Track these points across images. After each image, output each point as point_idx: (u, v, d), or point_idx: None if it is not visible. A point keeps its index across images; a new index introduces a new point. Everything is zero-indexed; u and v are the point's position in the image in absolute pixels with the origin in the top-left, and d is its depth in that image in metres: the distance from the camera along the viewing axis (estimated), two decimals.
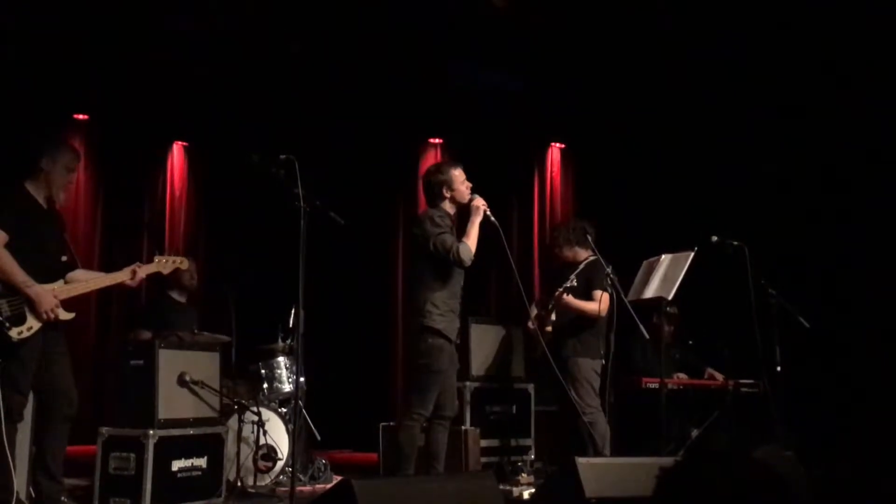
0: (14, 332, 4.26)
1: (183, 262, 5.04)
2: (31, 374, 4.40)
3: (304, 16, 7.40)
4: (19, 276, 4.30)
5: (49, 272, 4.48)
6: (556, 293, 5.58)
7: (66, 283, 4.55)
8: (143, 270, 4.79)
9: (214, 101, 8.48)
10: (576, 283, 5.57)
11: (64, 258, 4.63)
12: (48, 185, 4.54)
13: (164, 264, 4.91)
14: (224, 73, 8.19)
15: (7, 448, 4.25)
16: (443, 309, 4.89)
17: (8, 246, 4.32)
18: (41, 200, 4.55)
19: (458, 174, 5.09)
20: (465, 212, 5.12)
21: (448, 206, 5.06)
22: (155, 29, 7.51)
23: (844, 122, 7.14)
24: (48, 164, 4.53)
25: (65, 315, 4.46)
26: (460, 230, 5.05)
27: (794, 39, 7.11)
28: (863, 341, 6.83)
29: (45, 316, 4.33)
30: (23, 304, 4.31)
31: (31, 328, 4.32)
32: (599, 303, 5.56)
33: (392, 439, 4.87)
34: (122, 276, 4.72)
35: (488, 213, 5.05)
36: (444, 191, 5.04)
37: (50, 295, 4.37)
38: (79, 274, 4.70)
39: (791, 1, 6.83)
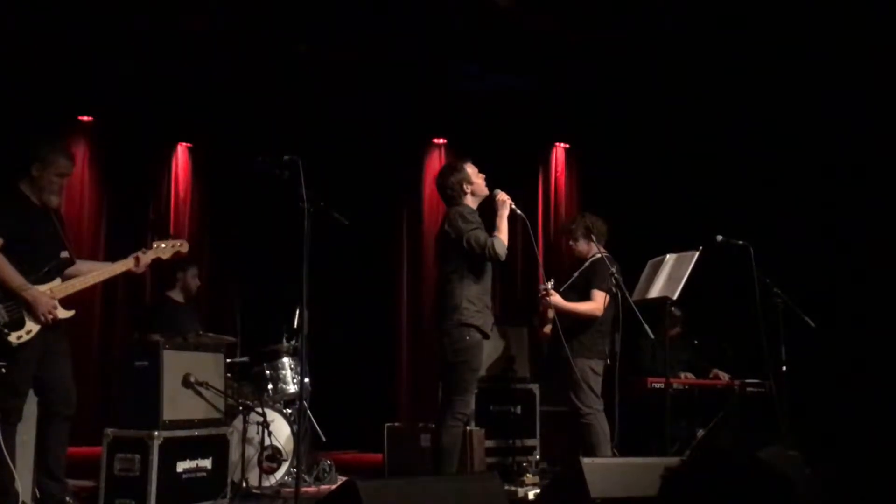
0: (13, 337, 4.26)
1: (183, 245, 4.93)
2: (31, 376, 4.39)
3: (308, 17, 7.40)
4: (15, 279, 4.29)
5: (45, 272, 4.44)
6: (540, 294, 5.49)
7: (63, 280, 4.49)
8: (147, 256, 4.76)
9: (218, 101, 8.50)
10: (552, 285, 5.45)
11: (64, 254, 4.55)
12: (39, 190, 4.50)
13: (162, 249, 4.83)
14: (228, 74, 8.20)
15: (6, 451, 4.23)
16: (479, 305, 4.84)
17: (3, 249, 4.31)
18: (35, 200, 4.52)
19: (471, 169, 5.06)
20: (483, 206, 5.09)
21: (470, 202, 5.03)
22: (159, 30, 7.52)
23: (848, 120, 7.12)
24: (38, 171, 4.48)
25: (64, 313, 4.43)
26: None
27: (797, 38, 7.09)
28: (867, 340, 6.81)
29: (42, 319, 4.32)
30: (20, 308, 4.29)
31: (30, 332, 4.32)
32: (597, 302, 5.44)
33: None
34: (125, 265, 4.69)
35: (513, 206, 5.04)
36: (465, 187, 5.00)
37: (46, 297, 4.35)
38: (80, 267, 4.63)
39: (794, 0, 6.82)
